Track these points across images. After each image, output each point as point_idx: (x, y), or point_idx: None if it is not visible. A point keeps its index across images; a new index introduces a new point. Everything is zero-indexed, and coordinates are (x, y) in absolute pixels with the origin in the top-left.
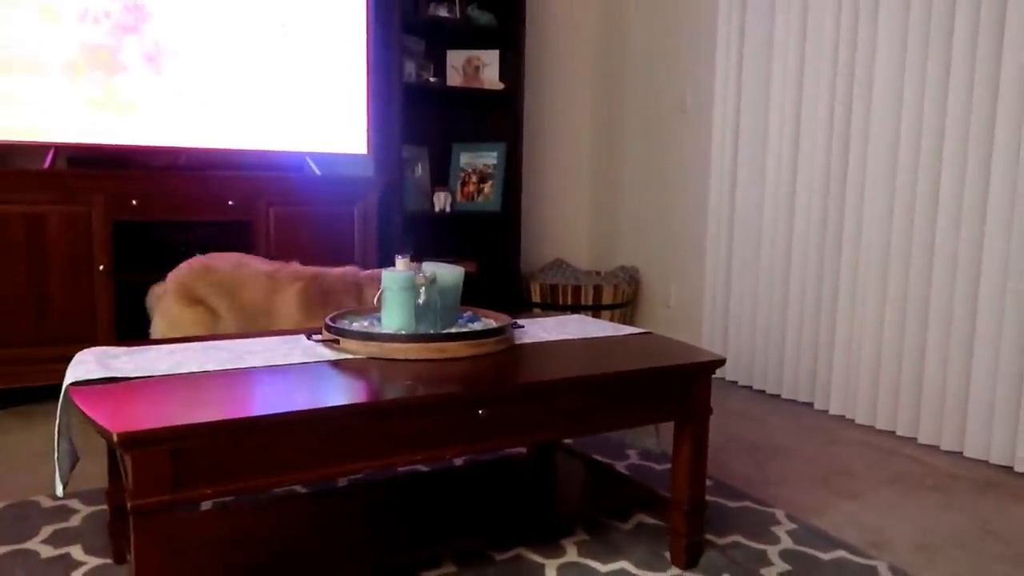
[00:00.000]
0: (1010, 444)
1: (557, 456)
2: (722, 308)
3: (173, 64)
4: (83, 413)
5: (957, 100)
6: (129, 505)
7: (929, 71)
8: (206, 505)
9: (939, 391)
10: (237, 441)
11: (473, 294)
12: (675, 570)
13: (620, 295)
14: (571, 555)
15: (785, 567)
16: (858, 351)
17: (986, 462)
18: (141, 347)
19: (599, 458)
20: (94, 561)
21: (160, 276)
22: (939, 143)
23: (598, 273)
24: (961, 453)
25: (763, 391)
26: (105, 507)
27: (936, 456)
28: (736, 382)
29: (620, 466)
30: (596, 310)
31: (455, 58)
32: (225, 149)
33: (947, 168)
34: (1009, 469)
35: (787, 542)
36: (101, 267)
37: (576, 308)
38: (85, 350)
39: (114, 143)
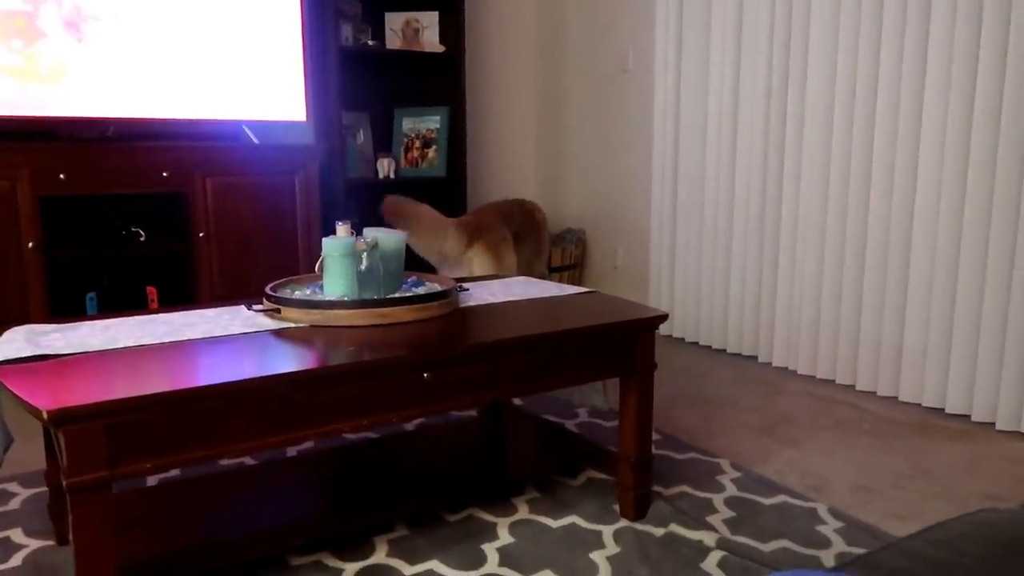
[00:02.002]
0: (941, 387)
1: (507, 417)
2: (668, 267)
3: (96, 30)
4: (12, 393)
5: (889, 53)
6: (65, 483)
7: (863, 25)
8: (152, 481)
9: (875, 340)
10: (174, 414)
11: (420, 260)
12: (624, 522)
13: (568, 257)
14: (523, 513)
15: (730, 513)
16: (799, 305)
17: (919, 405)
18: (73, 324)
19: (549, 418)
20: (35, 544)
21: (93, 252)
22: (873, 97)
23: None
24: (896, 398)
25: (709, 346)
26: (45, 489)
27: (873, 402)
28: (683, 339)
29: (570, 425)
30: None
31: (393, 20)
32: (157, 119)
33: (880, 124)
34: (940, 411)
35: (732, 490)
36: (30, 244)
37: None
38: (13, 328)
39: (38, 115)
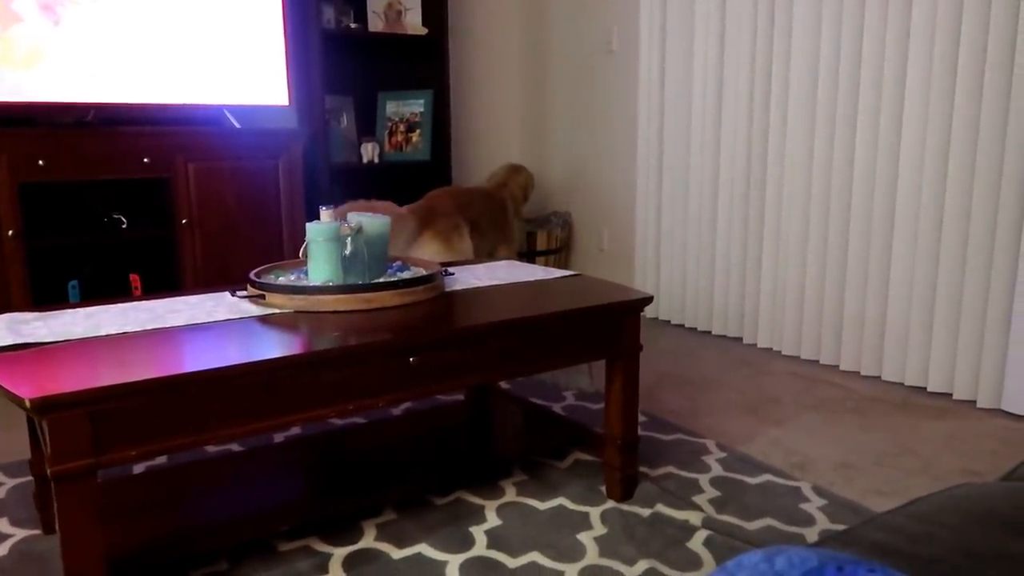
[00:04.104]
0: (923, 366)
1: (493, 401)
2: (653, 250)
3: (73, 13)
4: None
5: (872, 35)
6: (49, 472)
7: (846, 5)
8: (139, 468)
9: (858, 320)
10: (159, 401)
11: None
12: (611, 503)
13: (554, 240)
14: (510, 495)
15: (715, 493)
16: (783, 287)
17: (902, 384)
18: (55, 312)
19: (535, 400)
20: (21, 533)
21: (74, 239)
22: (856, 79)
23: (531, 220)
24: (879, 377)
25: (694, 328)
26: (30, 478)
27: (856, 381)
28: (669, 321)
29: (557, 407)
30: (530, 256)
31: (375, 2)
32: (137, 104)
33: (863, 104)
34: (923, 389)
35: (717, 470)
36: (10, 232)
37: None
38: None
39: (15, 100)
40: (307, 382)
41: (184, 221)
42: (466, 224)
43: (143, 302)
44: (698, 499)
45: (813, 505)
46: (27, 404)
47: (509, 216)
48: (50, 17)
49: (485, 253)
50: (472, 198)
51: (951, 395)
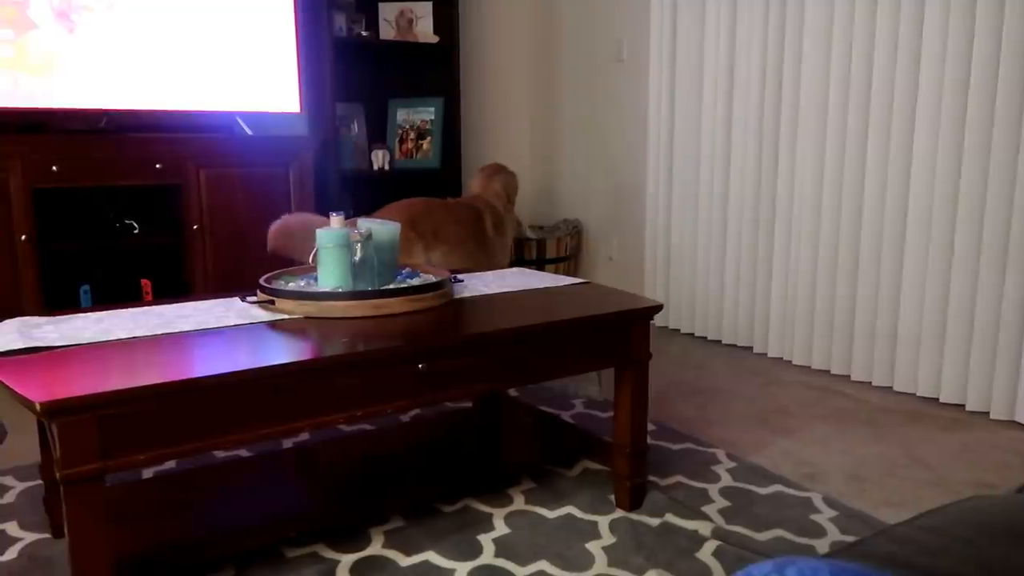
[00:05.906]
0: (935, 377)
1: (502, 408)
2: (663, 258)
3: (88, 20)
4: (4, 385)
5: (885, 43)
6: (58, 475)
7: (857, 12)
8: (147, 473)
9: (870, 330)
10: (168, 405)
11: None
12: (619, 512)
13: (563, 248)
14: (518, 503)
15: (725, 503)
16: (793, 296)
17: (914, 395)
18: (66, 316)
19: (544, 408)
20: (31, 536)
21: (86, 244)
22: (867, 87)
23: (540, 227)
24: (891, 388)
25: (704, 337)
26: (40, 482)
27: (868, 391)
28: (678, 330)
29: (566, 415)
30: (540, 264)
31: (387, 10)
32: (150, 111)
33: (874, 113)
34: (935, 400)
35: (727, 480)
36: (23, 237)
37: (519, 263)
38: (6, 321)
39: (30, 106)
40: (316, 388)
41: (195, 227)
42: (420, 239)
43: (154, 307)
44: (707, 509)
45: (824, 516)
46: (37, 407)
47: (486, 227)
48: (65, 24)
49: (463, 267)
50: (432, 209)
51: (964, 406)
